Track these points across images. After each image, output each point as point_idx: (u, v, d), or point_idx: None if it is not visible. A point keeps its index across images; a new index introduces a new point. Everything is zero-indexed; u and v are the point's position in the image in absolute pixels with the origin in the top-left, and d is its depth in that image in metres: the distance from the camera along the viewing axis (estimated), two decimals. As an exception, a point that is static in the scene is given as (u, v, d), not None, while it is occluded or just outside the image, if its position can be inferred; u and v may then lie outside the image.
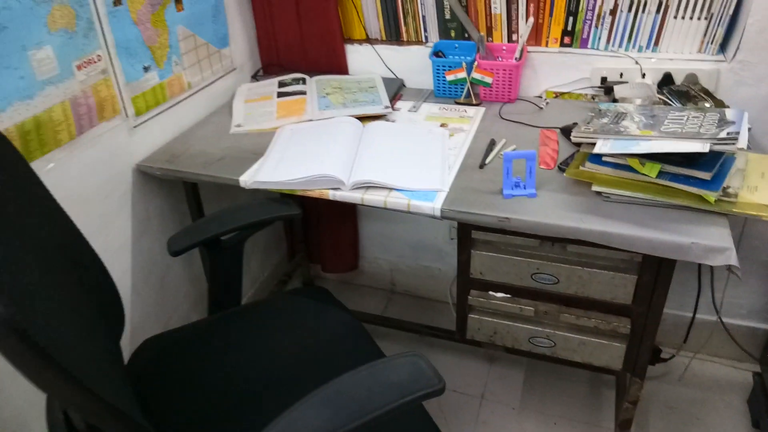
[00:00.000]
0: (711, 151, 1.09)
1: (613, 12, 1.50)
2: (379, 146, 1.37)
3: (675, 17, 1.47)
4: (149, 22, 1.39)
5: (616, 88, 1.48)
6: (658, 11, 1.47)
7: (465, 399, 1.74)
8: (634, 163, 1.14)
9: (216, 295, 1.29)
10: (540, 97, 1.65)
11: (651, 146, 1.11)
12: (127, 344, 1.43)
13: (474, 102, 1.62)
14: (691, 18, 1.46)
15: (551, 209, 1.14)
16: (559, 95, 1.63)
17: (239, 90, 1.72)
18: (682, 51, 1.50)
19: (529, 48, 1.60)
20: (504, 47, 1.63)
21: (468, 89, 1.61)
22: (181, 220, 1.60)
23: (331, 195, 1.25)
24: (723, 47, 1.49)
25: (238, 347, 1.16)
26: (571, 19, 1.54)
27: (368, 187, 1.24)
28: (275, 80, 1.74)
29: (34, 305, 0.64)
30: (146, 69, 1.41)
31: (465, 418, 1.69)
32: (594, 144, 1.17)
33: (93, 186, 1.30)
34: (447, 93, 1.67)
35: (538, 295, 1.29)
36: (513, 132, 1.45)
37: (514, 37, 1.62)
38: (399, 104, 1.64)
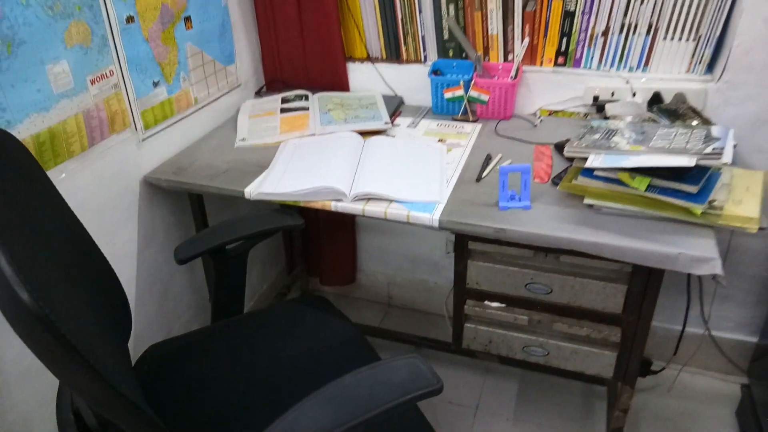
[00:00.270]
0: (697, 166, 1.14)
1: (605, 33, 1.56)
2: (379, 160, 1.42)
3: (664, 39, 1.53)
4: (159, 39, 1.44)
5: (607, 106, 1.54)
6: (648, 33, 1.53)
7: (460, 410, 1.77)
8: (625, 177, 1.19)
9: (220, 302, 1.32)
10: (534, 114, 1.70)
11: (640, 161, 1.16)
12: (131, 352, 1.46)
13: (471, 119, 1.67)
14: (680, 39, 1.52)
15: (545, 221, 1.19)
16: (553, 113, 1.69)
17: (243, 106, 1.77)
18: (671, 71, 1.56)
19: (525, 67, 1.66)
20: (500, 66, 1.69)
21: (465, 106, 1.66)
22: (184, 231, 1.64)
23: (333, 206, 1.30)
24: (710, 68, 1.55)
25: (241, 353, 1.20)
26: (564, 40, 1.60)
27: (369, 199, 1.29)
28: (278, 96, 1.79)
29: (57, 301, 0.68)
30: (155, 84, 1.46)
31: (460, 428, 1.71)
32: (586, 159, 1.22)
33: (102, 196, 1.35)
34: (445, 110, 1.72)
35: (532, 304, 1.33)
36: (508, 147, 1.50)
37: (510, 56, 1.68)
38: (398, 120, 1.69)
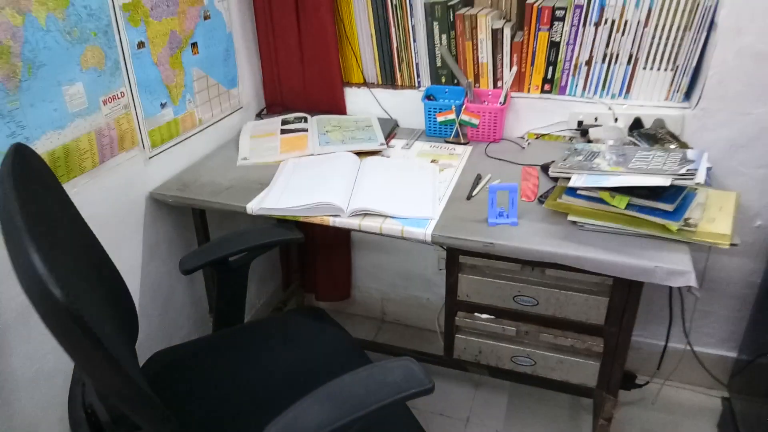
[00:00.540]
0: (673, 186, 1.22)
1: (588, 63, 1.66)
2: (375, 178, 1.49)
3: (644, 68, 1.63)
4: (168, 63, 1.53)
5: (591, 130, 1.62)
6: (629, 63, 1.63)
7: (451, 422, 1.82)
8: (605, 195, 1.27)
9: (222, 312, 1.38)
10: (522, 137, 1.79)
11: (619, 180, 1.24)
12: (134, 361, 1.51)
13: (462, 141, 1.76)
14: (658, 69, 1.62)
15: (531, 236, 1.26)
16: (539, 136, 1.78)
17: (245, 127, 1.85)
18: (651, 98, 1.66)
19: (513, 93, 1.76)
20: (490, 92, 1.78)
21: (457, 129, 1.75)
22: (187, 245, 1.70)
23: (332, 221, 1.37)
24: (688, 95, 1.64)
25: (243, 360, 1.26)
26: (550, 68, 1.70)
27: (365, 215, 1.36)
28: (278, 118, 1.87)
29: (82, 299, 0.74)
30: (163, 105, 1.54)
31: (452, 440, 1.77)
32: (570, 179, 1.31)
33: (110, 210, 1.41)
34: (437, 133, 1.81)
35: (520, 316, 1.40)
36: (498, 168, 1.58)
37: (499, 83, 1.78)
38: (393, 142, 1.78)
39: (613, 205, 1.26)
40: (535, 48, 1.68)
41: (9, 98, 1.13)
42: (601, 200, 1.28)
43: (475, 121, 1.70)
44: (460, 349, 1.48)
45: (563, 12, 1.60)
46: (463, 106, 1.71)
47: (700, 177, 1.22)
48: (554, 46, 1.66)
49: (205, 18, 1.65)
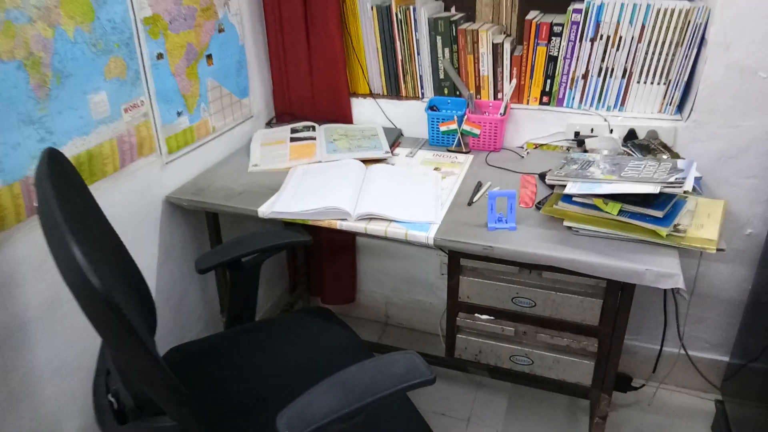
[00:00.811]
0: (662, 193, 1.29)
1: (584, 76, 1.73)
2: (380, 184, 1.57)
3: (638, 82, 1.70)
4: (185, 74, 1.61)
5: (587, 141, 1.70)
6: (623, 77, 1.71)
7: (452, 422, 1.88)
8: (599, 202, 1.34)
9: (234, 311, 1.45)
10: (522, 147, 1.86)
11: (612, 188, 1.31)
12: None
13: (464, 150, 1.83)
14: (652, 83, 1.69)
15: (529, 240, 1.33)
16: (538, 146, 1.85)
17: (256, 135, 1.93)
18: (645, 111, 1.73)
19: (513, 105, 1.83)
20: (490, 104, 1.85)
21: (459, 139, 1.82)
22: (200, 247, 1.78)
23: (339, 225, 1.44)
24: (680, 108, 1.71)
25: (255, 355, 1.32)
26: (548, 81, 1.77)
27: (371, 219, 1.43)
28: (288, 127, 1.95)
29: (114, 288, 0.81)
30: (179, 114, 1.61)
31: (452, 438, 1.83)
32: (565, 186, 1.38)
33: (129, 213, 1.49)
34: (440, 142, 1.88)
35: (518, 317, 1.46)
36: (497, 176, 1.65)
37: (500, 95, 1.86)
38: (398, 150, 1.85)
39: (606, 212, 1.33)
40: (534, 62, 1.75)
41: (39, 106, 1.21)
42: (595, 207, 1.35)
43: (477, 131, 1.77)
44: (461, 349, 1.54)
45: (561, 28, 1.68)
46: (465, 117, 1.78)
47: (688, 185, 1.29)
48: (552, 60, 1.73)
49: (220, 31, 1.74)
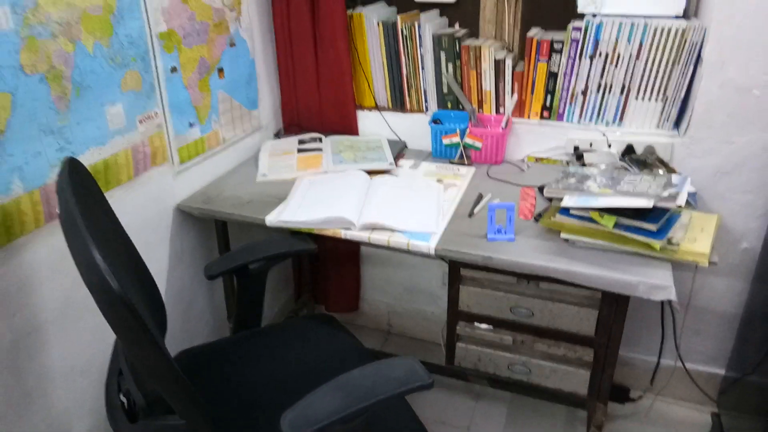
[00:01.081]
0: (656, 207, 1.34)
1: (584, 92, 1.78)
2: (384, 195, 1.62)
3: (636, 98, 1.75)
4: (197, 86, 1.67)
5: (586, 155, 1.74)
6: (622, 93, 1.75)
7: (453, 431, 1.91)
8: (595, 215, 1.38)
9: (241, 316, 1.50)
10: (522, 160, 1.91)
11: (607, 201, 1.35)
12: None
13: (466, 163, 1.88)
14: (649, 99, 1.74)
15: (527, 251, 1.37)
16: (538, 160, 1.90)
17: (264, 146, 1.98)
18: (643, 126, 1.77)
19: (514, 119, 1.88)
20: (492, 118, 1.90)
21: (461, 152, 1.87)
22: (208, 254, 1.83)
23: (343, 234, 1.48)
24: (677, 124, 1.76)
25: (260, 358, 1.37)
26: (549, 96, 1.82)
27: (374, 228, 1.48)
28: (295, 138, 2.01)
29: (130, 290, 0.86)
30: (191, 125, 1.67)
31: (452, 445, 1.86)
32: (563, 199, 1.42)
33: (141, 220, 1.54)
34: (443, 154, 1.93)
35: (516, 326, 1.50)
36: (498, 189, 1.70)
37: (501, 110, 1.91)
38: (401, 162, 1.90)
39: (602, 224, 1.37)
40: (535, 78, 1.80)
41: (59, 117, 1.26)
42: (591, 219, 1.39)
43: (479, 144, 1.82)
44: (461, 357, 1.58)
45: (561, 45, 1.73)
46: (468, 130, 1.83)
47: (681, 200, 1.33)
48: (552, 76, 1.78)
49: (231, 45, 1.80)
